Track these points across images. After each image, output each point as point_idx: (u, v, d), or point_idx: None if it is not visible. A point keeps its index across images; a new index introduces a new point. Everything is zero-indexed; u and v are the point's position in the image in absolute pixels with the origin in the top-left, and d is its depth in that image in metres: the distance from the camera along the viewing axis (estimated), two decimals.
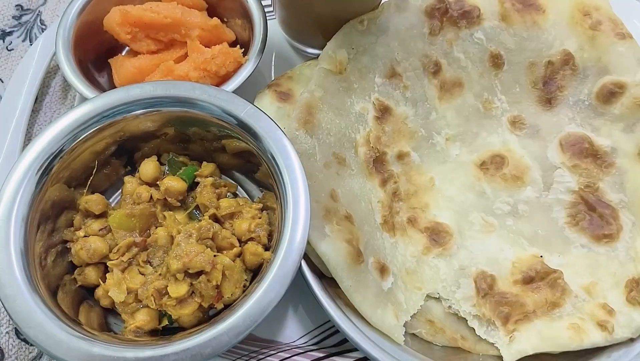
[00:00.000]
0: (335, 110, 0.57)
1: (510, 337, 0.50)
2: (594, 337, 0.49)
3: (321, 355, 0.51)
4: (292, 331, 0.54)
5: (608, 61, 0.58)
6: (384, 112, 0.59)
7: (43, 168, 0.49)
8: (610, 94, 0.57)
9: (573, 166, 0.57)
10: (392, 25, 0.60)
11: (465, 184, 0.59)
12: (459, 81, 0.61)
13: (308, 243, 0.48)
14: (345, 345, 0.53)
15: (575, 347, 0.49)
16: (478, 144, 0.61)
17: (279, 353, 0.50)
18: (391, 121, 0.59)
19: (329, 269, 0.49)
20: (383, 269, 0.52)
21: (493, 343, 0.51)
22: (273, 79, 0.63)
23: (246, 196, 0.60)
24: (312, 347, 0.53)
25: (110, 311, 0.52)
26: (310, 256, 0.50)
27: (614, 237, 0.54)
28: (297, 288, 0.51)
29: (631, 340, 0.50)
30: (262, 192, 0.59)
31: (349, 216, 0.52)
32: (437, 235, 0.56)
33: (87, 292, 0.52)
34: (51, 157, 0.50)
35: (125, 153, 0.58)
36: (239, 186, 0.60)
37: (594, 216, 0.55)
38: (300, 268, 0.51)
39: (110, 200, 0.58)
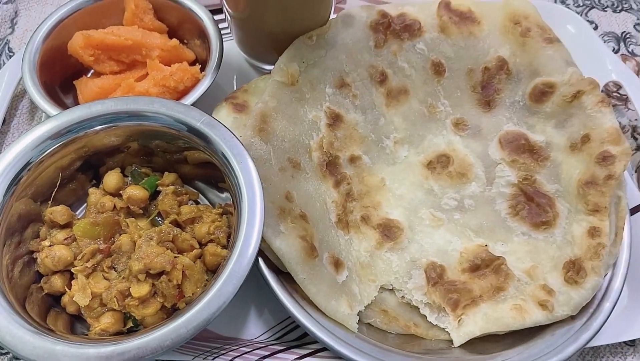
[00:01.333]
0: (289, 118, 0.60)
1: (459, 321, 0.53)
2: (535, 316, 0.52)
3: (281, 347, 0.53)
4: (254, 329, 0.57)
5: (538, 64, 0.63)
6: (335, 119, 0.63)
7: (9, 182, 0.52)
8: (541, 94, 0.62)
9: (512, 161, 0.62)
10: (340, 40, 0.64)
11: (414, 183, 0.63)
12: (405, 88, 0.65)
13: (264, 240, 0.51)
14: (304, 338, 0.55)
15: (518, 326, 0.52)
16: (425, 146, 0.65)
17: (240, 348, 0.52)
18: (342, 127, 0.63)
19: (284, 264, 0.52)
20: (337, 264, 0.55)
21: (444, 328, 0.54)
22: None
23: (208, 203, 0.63)
24: (272, 342, 0.55)
25: (77, 318, 0.54)
26: (267, 253, 0.53)
27: (551, 224, 0.58)
28: (258, 287, 0.53)
29: (572, 318, 0.53)
30: (224, 203, 0.62)
31: (303, 215, 0.55)
32: (389, 231, 0.59)
33: (54, 300, 0.54)
34: (17, 172, 0.52)
35: (91, 168, 0.61)
36: (200, 195, 0.63)
37: (532, 206, 0.59)
38: (258, 266, 0.53)
39: (77, 213, 0.60)
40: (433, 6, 0.67)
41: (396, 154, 0.64)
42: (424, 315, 0.55)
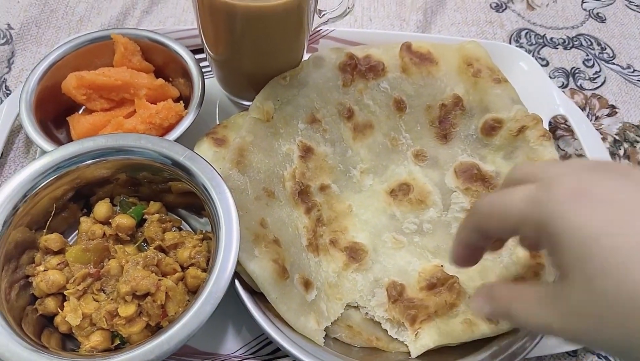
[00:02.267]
0: (265, 152, 0.66)
1: (416, 335, 0.59)
2: (482, 329, 0.58)
3: None
4: (231, 344, 0.62)
5: (488, 101, 0.70)
6: (307, 152, 0.69)
7: (7, 213, 0.57)
8: (491, 129, 0.69)
9: (465, 189, 0.68)
10: (311, 80, 0.71)
11: (378, 209, 0.69)
12: (370, 123, 0.72)
13: (239, 263, 0.57)
14: (277, 353, 0.61)
15: (467, 338, 0.58)
16: (388, 175, 0.71)
17: None
18: (313, 159, 0.69)
19: (258, 285, 0.57)
20: (307, 284, 0.60)
21: (403, 341, 0.60)
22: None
23: (190, 230, 0.68)
24: (248, 356, 0.60)
25: (68, 337, 0.59)
26: (242, 276, 0.58)
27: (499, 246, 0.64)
28: (236, 306, 0.59)
29: (515, 330, 0.59)
30: (205, 229, 0.68)
31: (276, 240, 0.61)
32: (355, 253, 0.65)
33: (47, 320, 0.59)
34: (15, 203, 0.58)
35: (82, 198, 0.66)
36: (183, 222, 0.69)
37: None
38: (235, 288, 0.59)
39: (69, 239, 0.65)
40: (396, 48, 0.74)
41: (362, 183, 0.71)
42: (385, 330, 0.61)
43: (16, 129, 0.79)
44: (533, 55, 0.94)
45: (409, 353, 0.59)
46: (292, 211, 0.66)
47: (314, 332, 0.57)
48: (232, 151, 0.64)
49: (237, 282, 0.58)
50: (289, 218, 0.65)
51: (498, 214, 0.38)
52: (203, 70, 0.75)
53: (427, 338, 0.59)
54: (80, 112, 0.75)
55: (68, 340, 0.59)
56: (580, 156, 0.81)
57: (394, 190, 0.70)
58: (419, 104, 0.73)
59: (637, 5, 1.03)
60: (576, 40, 0.98)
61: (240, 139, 0.65)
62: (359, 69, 0.72)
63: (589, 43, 0.98)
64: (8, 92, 0.83)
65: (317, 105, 0.71)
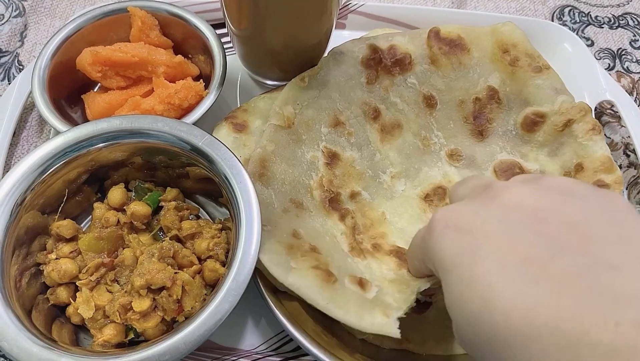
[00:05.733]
0: (288, 161, 0.61)
1: None
2: None
3: (278, 359, 0.55)
4: (253, 340, 0.58)
5: (528, 93, 0.63)
6: (332, 158, 0.63)
7: (18, 196, 0.54)
8: (532, 124, 0.63)
9: None
10: (332, 78, 0.65)
11: (413, 216, 0.63)
12: (398, 123, 0.66)
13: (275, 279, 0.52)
14: (300, 350, 0.57)
15: None
16: (421, 179, 0.65)
17: (239, 360, 0.55)
18: (340, 165, 0.64)
19: (303, 298, 0.51)
20: (362, 283, 0.53)
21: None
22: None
23: (208, 218, 0.65)
24: (270, 353, 0.57)
25: (81, 328, 0.56)
26: (265, 274, 0.54)
27: None
28: (258, 300, 0.55)
29: None
30: (223, 216, 0.64)
31: (314, 247, 0.55)
32: (403, 256, 0.58)
33: (59, 310, 0.56)
34: (26, 187, 0.55)
35: (97, 181, 0.63)
36: (201, 209, 0.65)
37: None
38: (256, 284, 0.55)
39: (82, 225, 0.62)
40: (423, 35, 0.67)
41: (393, 189, 0.65)
42: (416, 332, 0.56)
43: (29, 106, 0.75)
44: (577, 35, 0.87)
45: (442, 356, 0.55)
46: (325, 220, 0.60)
47: (385, 325, 0.49)
48: (254, 162, 0.59)
49: (258, 280, 0.54)
50: (323, 227, 0.59)
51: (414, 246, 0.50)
52: (224, 45, 0.70)
53: None
54: (95, 89, 0.71)
55: (81, 331, 0.57)
56: (627, 145, 0.75)
57: (429, 195, 0.64)
58: (451, 99, 0.66)
59: None
60: (622, 19, 0.91)
61: (262, 149, 0.59)
62: (383, 63, 0.66)
63: (636, 22, 0.90)
64: (21, 67, 0.80)
65: (340, 106, 0.65)
